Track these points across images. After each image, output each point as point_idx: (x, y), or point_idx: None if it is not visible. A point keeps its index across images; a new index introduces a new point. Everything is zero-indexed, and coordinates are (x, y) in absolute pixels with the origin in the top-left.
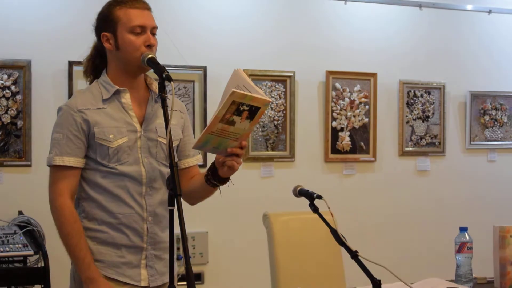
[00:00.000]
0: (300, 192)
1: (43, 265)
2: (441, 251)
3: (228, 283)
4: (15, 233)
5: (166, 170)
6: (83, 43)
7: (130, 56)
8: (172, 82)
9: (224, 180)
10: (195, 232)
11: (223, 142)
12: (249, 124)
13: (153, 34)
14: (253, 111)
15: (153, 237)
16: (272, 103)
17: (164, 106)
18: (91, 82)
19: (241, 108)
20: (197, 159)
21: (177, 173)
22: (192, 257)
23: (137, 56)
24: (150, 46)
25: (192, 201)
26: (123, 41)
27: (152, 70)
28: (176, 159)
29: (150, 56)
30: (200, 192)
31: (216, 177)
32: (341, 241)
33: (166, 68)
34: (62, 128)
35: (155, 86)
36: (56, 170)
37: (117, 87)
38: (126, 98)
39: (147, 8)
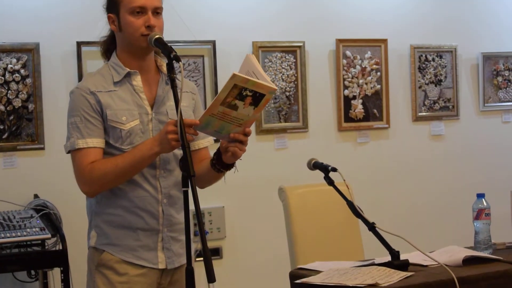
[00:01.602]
0: (315, 165)
1: (61, 248)
2: (459, 217)
3: (246, 256)
4: (31, 217)
5: (179, 152)
6: (90, 24)
7: (131, 37)
8: (180, 63)
9: (228, 166)
10: (212, 207)
11: (226, 126)
12: (253, 110)
13: (157, 13)
14: (257, 98)
15: (169, 219)
16: (283, 74)
17: (174, 87)
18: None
19: (244, 93)
20: (207, 141)
21: (189, 154)
22: (209, 233)
23: (137, 37)
24: (150, 27)
25: (201, 185)
26: (125, 22)
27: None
28: None
29: (157, 36)
30: (207, 176)
31: (220, 163)
32: (357, 213)
33: (175, 43)
34: (77, 111)
35: (165, 68)
36: (79, 154)
37: (128, 69)
38: (137, 80)
39: None
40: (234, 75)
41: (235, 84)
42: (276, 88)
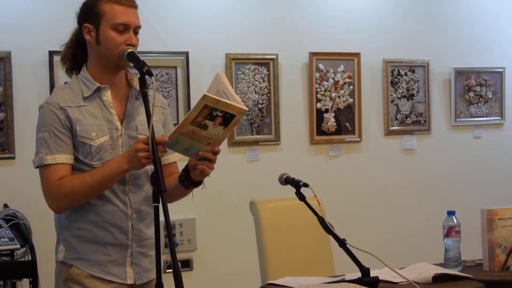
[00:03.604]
0: (286, 181)
1: (30, 258)
2: (430, 233)
3: (217, 269)
4: (0, 227)
5: (150, 167)
6: (63, 33)
7: (110, 53)
8: (153, 77)
9: (196, 183)
10: (183, 218)
11: (195, 145)
12: (223, 130)
13: (136, 33)
14: (227, 118)
15: (138, 234)
16: (256, 86)
17: (146, 102)
18: (67, 69)
19: (214, 113)
20: (176, 155)
21: (161, 170)
22: (180, 244)
23: (116, 54)
24: (130, 46)
25: (168, 200)
26: (105, 36)
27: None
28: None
29: (129, 50)
30: (175, 192)
31: (188, 179)
32: (328, 230)
33: (147, 54)
34: (46, 126)
35: (136, 82)
36: (48, 170)
37: (98, 84)
38: (107, 95)
39: (133, 6)
40: (205, 96)
41: (205, 104)
42: (247, 109)
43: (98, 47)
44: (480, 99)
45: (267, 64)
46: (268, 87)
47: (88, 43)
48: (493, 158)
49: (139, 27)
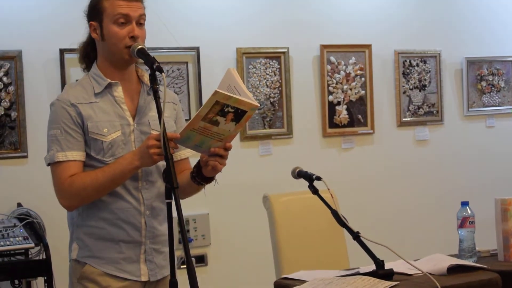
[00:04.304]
0: (299, 174)
1: (44, 257)
2: (444, 223)
3: (231, 263)
4: (15, 226)
5: (162, 163)
6: (73, 30)
7: (114, 47)
8: (163, 74)
9: (208, 179)
10: (196, 214)
11: (206, 141)
12: (235, 126)
13: (140, 24)
14: (239, 114)
15: (152, 231)
16: (267, 80)
17: (157, 98)
18: (85, 69)
19: (226, 110)
20: (188, 151)
21: (173, 166)
22: (194, 240)
23: (121, 48)
24: (134, 38)
25: (180, 196)
26: (108, 31)
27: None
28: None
29: (140, 47)
30: (187, 188)
31: (201, 175)
32: (342, 223)
33: (158, 50)
34: (57, 123)
35: (146, 78)
36: (59, 167)
37: (109, 80)
38: (118, 91)
39: None
40: (216, 92)
41: (217, 100)
42: (258, 105)
43: (103, 43)
44: (493, 88)
45: (278, 57)
46: (280, 81)
47: (96, 40)
48: (506, 147)
49: (142, 15)
